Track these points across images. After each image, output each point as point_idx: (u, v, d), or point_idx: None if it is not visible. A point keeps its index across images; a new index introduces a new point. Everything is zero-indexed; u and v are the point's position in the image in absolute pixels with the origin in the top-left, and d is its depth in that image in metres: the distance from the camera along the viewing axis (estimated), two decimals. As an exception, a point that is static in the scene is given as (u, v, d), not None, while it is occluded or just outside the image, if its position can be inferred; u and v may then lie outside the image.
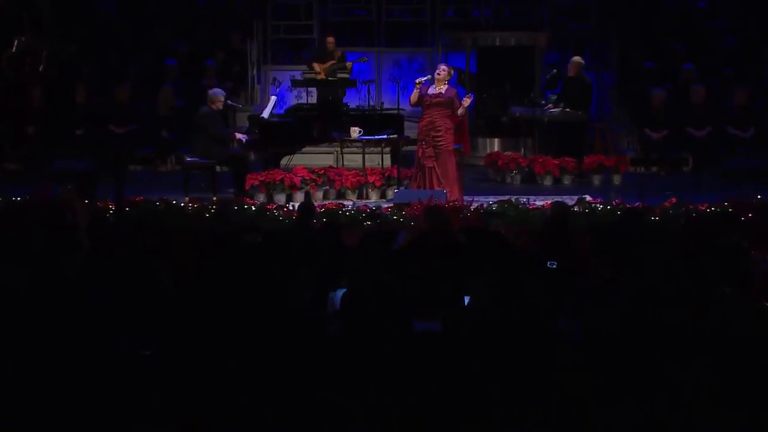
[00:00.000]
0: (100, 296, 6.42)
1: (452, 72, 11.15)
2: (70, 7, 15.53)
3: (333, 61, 14.37)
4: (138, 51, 15.60)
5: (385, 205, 10.79)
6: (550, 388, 5.44)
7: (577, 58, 13.25)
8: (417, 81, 10.92)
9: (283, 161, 12.32)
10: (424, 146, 10.90)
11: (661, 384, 5.44)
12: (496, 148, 14.26)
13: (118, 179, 9.63)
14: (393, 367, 5.62)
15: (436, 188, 10.69)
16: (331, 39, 14.53)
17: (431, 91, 10.83)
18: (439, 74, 10.84)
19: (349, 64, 14.31)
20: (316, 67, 14.37)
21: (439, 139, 10.82)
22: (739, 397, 5.39)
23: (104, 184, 10.60)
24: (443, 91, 10.81)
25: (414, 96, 10.90)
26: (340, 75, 14.08)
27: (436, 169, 10.84)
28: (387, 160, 12.47)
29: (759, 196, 10.27)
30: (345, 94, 14.26)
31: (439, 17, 16.24)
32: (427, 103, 10.83)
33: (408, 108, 11.82)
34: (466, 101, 10.82)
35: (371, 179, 11.93)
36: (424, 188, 10.77)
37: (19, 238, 8.09)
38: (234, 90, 15.05)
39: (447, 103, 10.81)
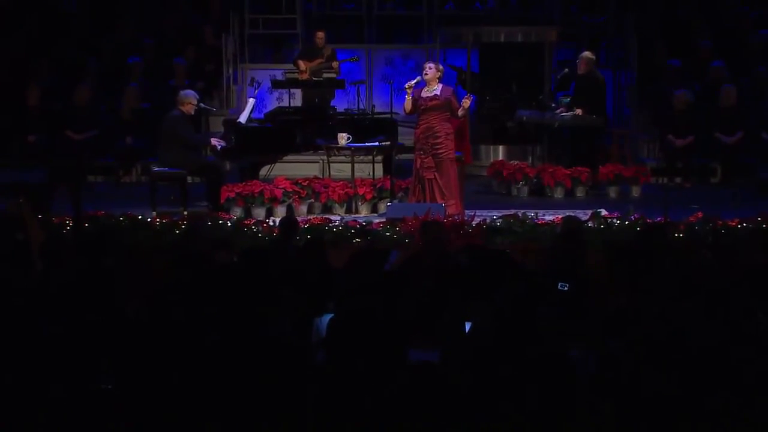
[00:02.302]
0: (55, 324, 6.42)
1: (441, 68, 11.06)
2: None
3: (320, 60, 14.41)
4: (99, 47, 15.63)
5: (377, 221, 10.82)
6: (560, 427, 5.46)
7: (587, 54, 13.26)
8: (407, 85, 10.80)
9: (263, 171, 12.34)
10: (423, 156, 10.88)
11: (685, 425, 5.45)
12: (500, 157, 14.31)
13: (75, 192, 9.64)
14: (385, 402, 5.64)
15: (439, 202, 10.68)
16: (320, 34, 14.58)
17: (425, 93, 10.79)
18: (426, 74, 10.76)
19: (336, 63, 14.35)
20: (302, 65, 14.41)
21: (438, 146, 10.81)
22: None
23: (60, 198, 10.60)
24: (438, 92, 10.80)
25: (408, 103, 10.81)
26: (326, 75, 14.12)
27: (438, 180, 10.83)
28: (379, 170, 12.50)
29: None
30: (334, 97, 14.32)
31: (436, 10, 16.32)
32: (423, 107, 10.81)
33: (402, 114, 11.83)
34: (466, 102, 10.81)
35: (361, 191, 11.96)
36: (424, 203, 10.76)
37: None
38: (207, 91, 15.08)
39: (444, 106, 10.80)
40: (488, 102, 14.73)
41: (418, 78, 10.84)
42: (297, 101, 14.59)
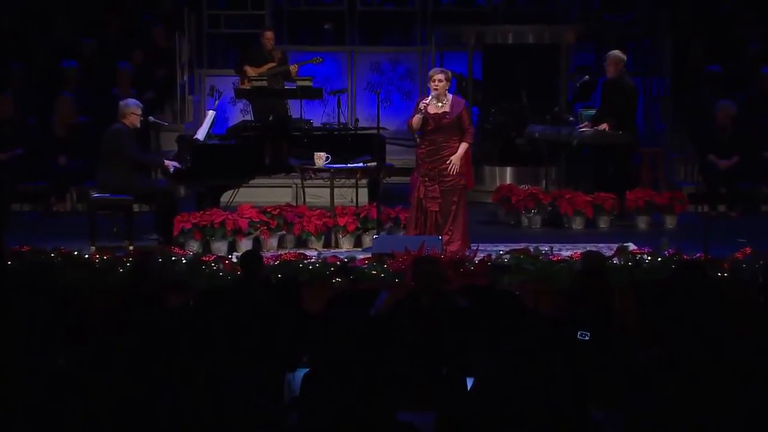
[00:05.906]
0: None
1: (450, 75, 11.10)
2: None
3: (272, 64, 14.40)
4: (26, 48, 15.65)
5: (361, 256, 10.85)
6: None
7: (616, 53, 13.19)
8: (423, 104, 10.77)
9: (224, 198, 12.38)
10: (428, 184, 10.92)
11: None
12: (508, 181, 14.36)
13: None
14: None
15: (444, 238, 10.71)
16: (269, 34, 14.54)
17: (432, 109, 10.79)
18: (436, 87, 10.75)
19: (294, 67, 14.27)
20: (249, 71, 14.36)
21: (447, 173, 10.84)
22: None
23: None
24: (448, 109, 10.81)
25: (417, 121, 10.80)
26: (300, 83, 14.11)
27: (446, 211, 10.84)
28: (363, 196, 12.56)
29: None
30: (289, 108, 14.19)
31: (431, 5, 16.39)
32: (430, 128, 10.85)
33: (392, 128, 11.85)
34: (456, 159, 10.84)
35: (342, 222, 11.99)
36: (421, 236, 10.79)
37: None
38: (158, 102, 15.15)
39: (455, 125, 10.83)
40: (493, 115, 14.79)
41: (433, 94, 10.79)
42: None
